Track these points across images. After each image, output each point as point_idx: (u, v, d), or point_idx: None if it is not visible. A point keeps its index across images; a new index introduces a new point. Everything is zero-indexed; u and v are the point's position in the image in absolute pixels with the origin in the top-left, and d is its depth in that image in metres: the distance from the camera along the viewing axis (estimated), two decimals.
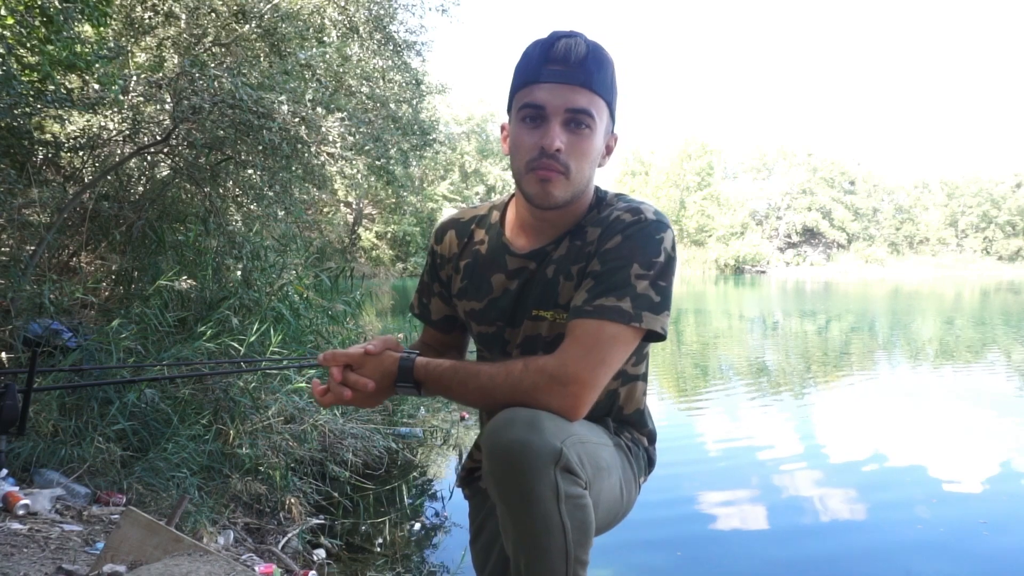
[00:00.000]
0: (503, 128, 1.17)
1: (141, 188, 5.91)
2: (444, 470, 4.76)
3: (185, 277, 4.88)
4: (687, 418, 6.26)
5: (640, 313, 1.04)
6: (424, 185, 32.86)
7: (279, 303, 5.06)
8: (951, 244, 60.82)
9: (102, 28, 4.28)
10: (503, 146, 1.16)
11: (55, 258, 5.14)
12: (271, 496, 3.52)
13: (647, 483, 1.31)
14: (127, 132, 5.30)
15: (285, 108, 5.12)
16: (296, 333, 5.01)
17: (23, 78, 3.65)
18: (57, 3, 3.53)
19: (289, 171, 5.81)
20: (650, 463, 1.30)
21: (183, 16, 5.64)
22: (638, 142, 60.76)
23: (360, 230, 30.46)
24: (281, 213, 6.28)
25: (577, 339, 1.02)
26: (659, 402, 6.78)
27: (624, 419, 1.26)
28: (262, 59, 6.07)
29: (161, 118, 5.27)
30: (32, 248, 4.62)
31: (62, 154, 5.38)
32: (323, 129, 6.07)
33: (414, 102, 9.43)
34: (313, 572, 2.90)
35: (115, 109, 4.99)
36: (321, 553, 3.22)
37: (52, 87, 3.78)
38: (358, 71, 8.39)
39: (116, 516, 2.67)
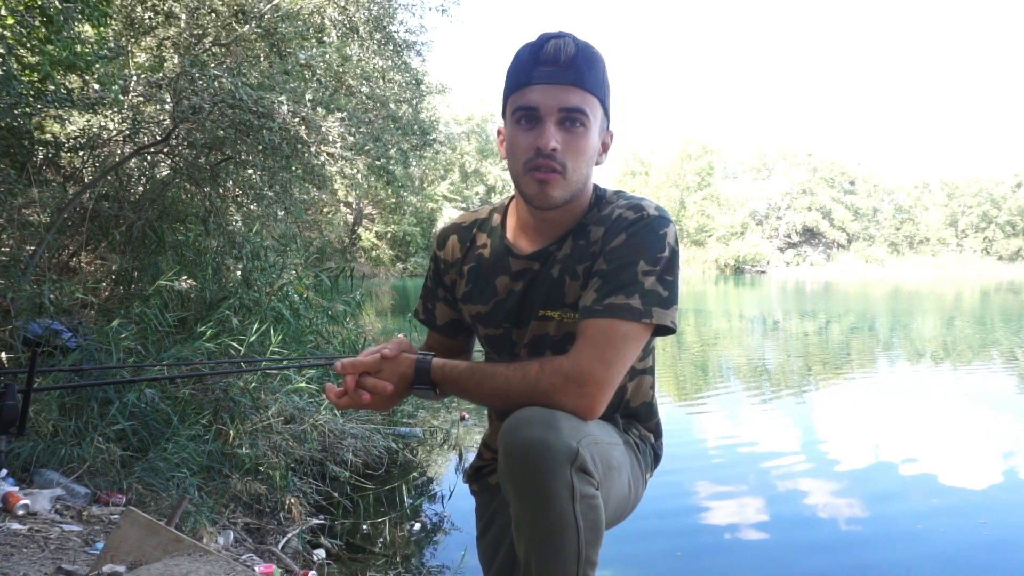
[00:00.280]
0: (499, 132, 1.17)
1: (141, 188, 5.91)
2: (444, 470, 4.76)
3: (185, 277, 4.88)
4: (687, 418, 6.26)
5: (650, 309, 1.05)
6: (424, 185, 32.87)
7: (279, 303, 5.06)
8: (951, 244, 60.83)
9: (102, 28, 4.27)
10: (500, 150, 1.17)
11: (55, 258, 5.14)
12: (271, 496, 3.52)
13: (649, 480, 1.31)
14: (127, 132, 5.30)
15: (285, 108, 5.12)
16: (296, 333, 5.01)
17: (23, 78, 3.65)
18: (57, 3, 3.52)
19: (289, 171, 5.81)
20: (656, 459, 1.31)
21: (183, 16, 5.64)
22: (638, 142, 61.08)
23: (360, 230, 30.46)
24: (281, 213, 6.28)
25: (590, 339, 1.03)
26: (659, 402, 6.76)
27: (631, 412, 1.27)
28: (262, 59, 6.07)
29: (161, 118, 5.27)
30: (32, 248, 4.62)
31: (62, 154, 5.38)
32: (323, 129, 6.07)
33: (414, 102, 9.42)
34: (313, 572, 2.90)
35: (115, 109, 4.99)
36: (321, 553, 3.22)
37: (52, 87, 3.78)
38: (358, 71, 8.38)
39: (116, 516, 2.67)
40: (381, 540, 3.50)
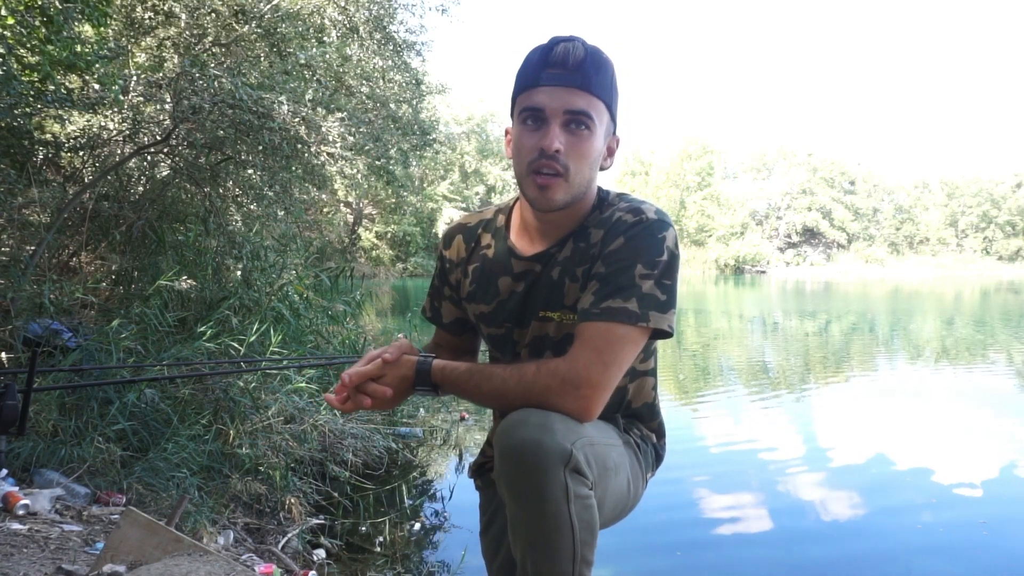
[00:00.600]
0: (507, 132, 1.19)
1: (141, 188, 5.91)
2: (444, 470, 4.76)
3: (185, 277, 4.88)
4: (687, 419, 6.26)
5: (647, 312, 1.06)
6: (424, 185, 32.86)
7: (279, 303, 5.06)
8: (951, 244, 60.83)
9: (102, 28, 4.27)
10: (506, 150, 1.19)
11: (55, 258, 5.15)
12: (271, 496, 3.52)
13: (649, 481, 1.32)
14: (127, 132, 5.30)
15: (285, 108, 5.12)
16: (296, 333, 5.01)
17: (23, 78, 3.66)
18: (57, 3, 3.52)
19: (289, 171, 5.82)
20: (658, 459, 1.33)
21: (183, 16, 5.64)
22: (638, 142, 60.85)
23: (360, 230, 30.48)
24: (281, 213, 6.29)
25: (587, 342, 1.05)
26: (660, 402, 6.77)
27: (632, 413, 1.29)
28: (262, 59, 6.07)
29: (161, 118, 5.28)
30: (32, 248, 4.62)
31: (62, 154, 5.39)
32: (323, 129, 6.07)
33: (414, 102, 9.42)
34: (313, 572, 2.90)
35: (115, 109, 5.00)
36: (321, 553, 3.22)
37: (52, 87, 3.78)
38: (358, 71, 8.38)
39: (116, 516, 2.67)
40: (381, 540, 3.49)
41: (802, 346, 11.73)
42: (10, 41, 3.50)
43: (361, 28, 7.84)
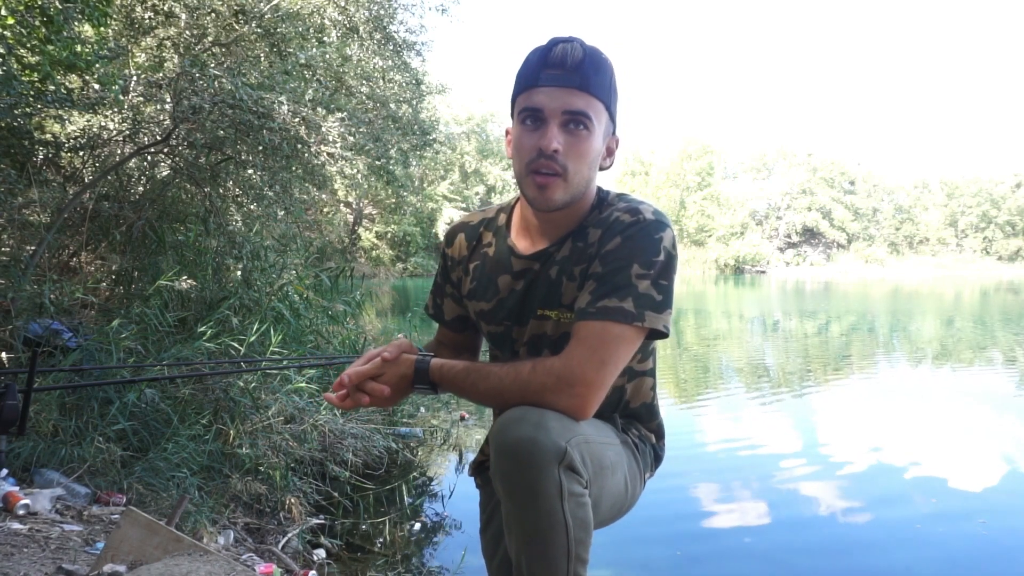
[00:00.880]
0: (507, 132, 1.20)
1: (141, 188, 5.91)
2: (444, 470, 4.76)
3: (185, 277, 4.88)
4: (687, 418, 6.26)
5: (643, 313, 1.06)
6: (424, 185, 32.86)
7: (279, 303, 5.06)
8: (951, 244, 60.81)
9: (102, 28, 4.27)
10: (507, 150, 1.20)
11: (55, 258, 5.15)
12: (271, 496, 3.52)
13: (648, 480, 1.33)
14: (127, 132, 5.30)
15: (285, 108, 5.12)
16: (296, 333, 5.01)
17: (23, 78, 3.66)
18: (57, 3, 3.53)
19: (289, 171, 5.82)
20: (657, 459, 1.34)
21: (183, 16, 5.64)
22: (638, 142, 60.79)
23: (360, 230, 30.48)
24: (281, 213, 6.29)
25: (582, 341, 1.05)
26: (659, 402, 6.78)
27: (630, 413, 1.30)
28: (262, 59, 6.07)
29: (161, 118, 5.28)
30: (32, 248, 4.62)
31: (62, 154, 5.38)
32: (323, 129, 6.08)
33: (414, 102, 9.43)
34: (313, 572, 2.90)
35: (115, 109, 5.00)
36: (321, 553, 3.22)
37: (52, 87, 3.78)
38: (358, 71, 8.39)
39: (116, 516, 2.67)
40: (381, 540, 3.50)
41: (802, 346, 11.74)
42: (10, 41, 3.50)
43: (361, 28, 7.85)
